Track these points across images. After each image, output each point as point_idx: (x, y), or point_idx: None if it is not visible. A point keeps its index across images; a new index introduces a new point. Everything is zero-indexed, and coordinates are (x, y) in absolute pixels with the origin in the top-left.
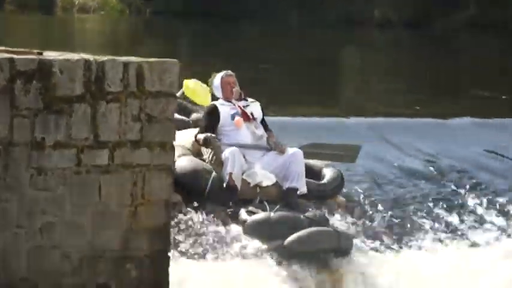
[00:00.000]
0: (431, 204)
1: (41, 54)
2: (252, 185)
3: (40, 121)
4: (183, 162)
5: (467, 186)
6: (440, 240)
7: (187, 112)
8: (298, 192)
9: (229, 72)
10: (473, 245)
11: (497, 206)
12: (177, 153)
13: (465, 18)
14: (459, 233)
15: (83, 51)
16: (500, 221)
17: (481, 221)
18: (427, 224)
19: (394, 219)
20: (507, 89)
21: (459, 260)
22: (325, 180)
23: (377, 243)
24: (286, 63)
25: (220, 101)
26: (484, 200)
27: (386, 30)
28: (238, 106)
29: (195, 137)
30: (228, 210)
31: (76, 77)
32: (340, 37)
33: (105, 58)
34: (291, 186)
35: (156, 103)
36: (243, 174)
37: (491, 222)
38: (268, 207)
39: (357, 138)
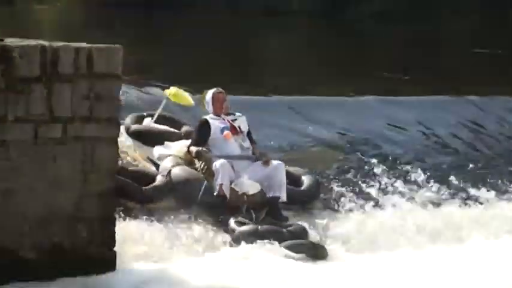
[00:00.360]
0: (342, 171)
1: (2, 40)
2: (240, 193)
3: (2, 99)
4: (177, 171)
5: (373, 155)
6: (354, 202)
7: (178, 125)
8: (279, 201)
9: (220, 89)
10: (379, 206)
11: (400, 173)
12: (171, 163)
13: (373, 8)
14: (367, 196)
15: (40, 38)
16: (401, 185)
17: (385, 186)
18: (340, 188)
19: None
20: (407, 71)
21: (365, 218)
22: (304, 187)
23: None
24: (215, 49)
25: (211, 115)
26: (388, 168)
27: (303, 19)
28: (227, 120)
29: (188, 148)
30: (219, 218)
31: (34, 60)
32: (260, 26)
33: (59, 44)
34: (274, 195)
35: (103, 84)
36: (231, 183)
37: (394, 187)
38: (254, 216)
39: (278, 114)
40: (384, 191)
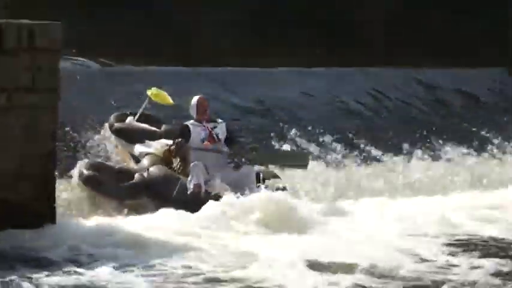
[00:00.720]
0: (260, 134)
1: None
2: (212, 194)
3: None
4: (154, 170)
5: (288, 121)
6: None
7: (158, 124)
8: None
9: (204, 96)
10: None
11: (311, 136)
12: (148, 161)
13: None
14: None
15: None
16: (313, 147)
17: (299, 148)
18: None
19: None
20: (318, 45)
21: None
22: None
23: None
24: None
25: (192, 121)
26: (300, 132)
27: None
28: (208, 128)
29: (169, 149)
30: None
31: None
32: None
33: (3, 21)
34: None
35: (44, 57)
36: (205, 184)
37: (307, 149)
38: None
39: (203, 84)
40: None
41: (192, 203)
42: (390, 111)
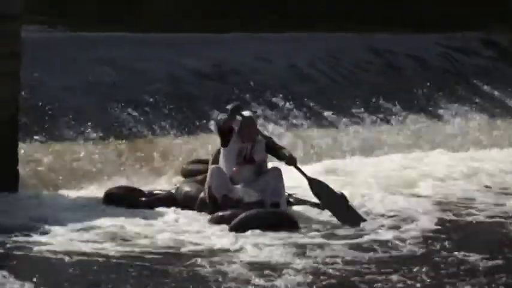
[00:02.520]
0: (216, 99)
1: None
2: (234, 199)
3: None
4: (183, 186)
5: (243, 85)
6: None
7: None
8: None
9: (252, 117)
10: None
11: (266, 101)
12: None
13: None
14: None
15: None
16: (268, 111)
17: (254, 112)
18: (214, 112)
19: None
20: (270, 11)
21: None
22: None
23: None
24: None
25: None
26: (256, 96)
27: None
28: (246, 148)
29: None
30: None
31: None
32: None
33: None
34: (272, 201)
35: (4, 23)
36: (227, 189)
37: (262, 112)
38: None
39: (154, 49)
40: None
41: (211, 206)
42: (346, 77)
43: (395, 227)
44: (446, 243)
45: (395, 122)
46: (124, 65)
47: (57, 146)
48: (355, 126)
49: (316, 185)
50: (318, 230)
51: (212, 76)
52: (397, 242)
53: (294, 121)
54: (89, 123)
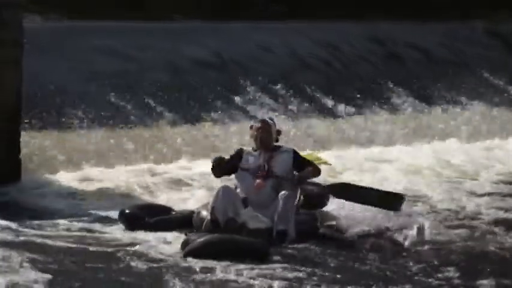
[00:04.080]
0: (219, 88)
1: None
2: (237, 223)
3: None
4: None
5: (243, 74)
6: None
7: None
8: (287, 238)
9: (267, 120)
10: (251, 117)
11: (267, 89)
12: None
13: None
14: (241, 109)
15: None
16: (268, 100)
17: (253, 100)
18: (215, 102)
19: None
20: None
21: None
22: None
23: None
24: None
25: (251, 148)
26: (257, 84)
27: None
28: (263, 160)
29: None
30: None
31: None
32: None
33: None
34: (278, 228)
35: (7, 11)
36: (232, 212)
37: (263, 101)
38: None
39: (155, 38)
40: (252, 103)
41: (213, 227)
42: (346, 65)
43: None
44: None
45: (396, 111)
46: (125, 54)
47: (58, 133)
48: (360, 117)
49: (336, 190)
50: (290, 264)
51: (213, 64)
52: None
53: (294, 109)
54: (90, 111)
